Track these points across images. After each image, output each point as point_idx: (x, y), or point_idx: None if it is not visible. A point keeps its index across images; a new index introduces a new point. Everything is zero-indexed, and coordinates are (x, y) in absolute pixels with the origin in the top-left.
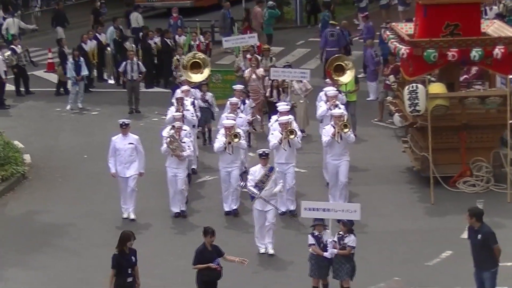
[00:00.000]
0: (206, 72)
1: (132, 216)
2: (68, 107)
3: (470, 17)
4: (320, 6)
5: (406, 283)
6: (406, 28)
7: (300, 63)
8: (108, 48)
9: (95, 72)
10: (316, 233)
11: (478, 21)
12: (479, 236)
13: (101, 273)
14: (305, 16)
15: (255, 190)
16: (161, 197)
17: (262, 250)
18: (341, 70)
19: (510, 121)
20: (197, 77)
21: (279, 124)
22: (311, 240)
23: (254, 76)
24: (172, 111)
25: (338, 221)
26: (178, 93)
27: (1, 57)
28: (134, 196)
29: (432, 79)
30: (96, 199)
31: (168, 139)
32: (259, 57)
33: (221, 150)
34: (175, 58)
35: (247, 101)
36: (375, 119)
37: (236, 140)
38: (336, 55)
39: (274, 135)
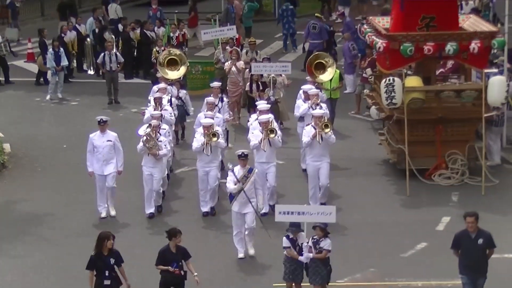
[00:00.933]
0: (183, 69)
1: (113, 213)
2: (48, 97)
3: (446, 11)
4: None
5: (382, 275)
6: (383, 22)
7: (278, 56)
8: (88, 39)
9: (74, 63)
10: (291, 236)
11: (455, 15)
12: (481, 241)
13: (79, 262)
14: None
15: (235, 186)
16: (138, 194)
17: (241, 255)
18: (322, 67)
19: (485, 115)
20: (173, 74)
21: (259, 123)
22: (286, 243)
23: (234, 68)
24: (150, 110)
25: (314, 227)
26: (155, 90)
27: None
28: (113, 193)
29: (409, 72)
30: (75, 189)
31: (145, 137)
32: (240, 50)
33: (199, 149)
34: (154, 49)
35: (225, 99)
36: (352, 112)
37: (214, 139)
38: (317, 53)
39: (254, 135)
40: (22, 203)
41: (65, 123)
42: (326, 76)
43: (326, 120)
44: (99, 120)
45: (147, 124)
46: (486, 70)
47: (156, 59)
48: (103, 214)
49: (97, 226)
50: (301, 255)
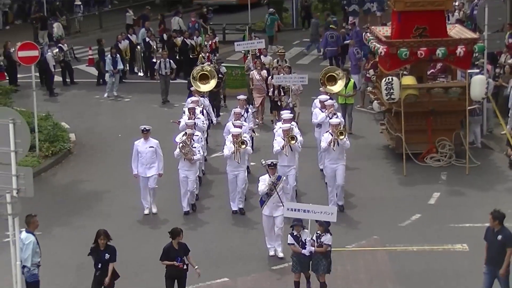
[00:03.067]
0: (213, 82)
1: (154, 210)
2: (106, 95)
3: (436, 22)
4: (312, 12)
5: (383, 241)
6: (383, 31)
7: (296, 59)
8: (138, 47)
9: (127, 66)
10: (295, 233)
11: (443, 25)
12: (500, 237)
13: (132, 232)
14: (300, 20)
15: (265, 186)
16: (176, 194)
17: (272, 252)
18: (333, 80)
19: (469, 107)
20: (205, 87)
21: (282, 130)
22: (290, 240)
23: (258, 77)
24: (184, 119)
25: (317, 221)
26: (189, 102)
27: (50, 53)
28: (155, 193)
29: (405, 72)
30: (128, 171)
31: (181, 144)
32: (270, 60)
33: (229, 156)
34: (200, 55)
35: (249, 110)
36: (358, 106)
37: (243, 146)
38: (329, 67)
39: (277, 141)
40: (85, 183)
41: (119, 117)
42: (337, 87)
43: (341, 128)
44: (142, 129)
45: (183, 132)
46: (469, 71)
47: (202, 63)
48: (146, 211)
49: (141, 222)
50: (305, 249)
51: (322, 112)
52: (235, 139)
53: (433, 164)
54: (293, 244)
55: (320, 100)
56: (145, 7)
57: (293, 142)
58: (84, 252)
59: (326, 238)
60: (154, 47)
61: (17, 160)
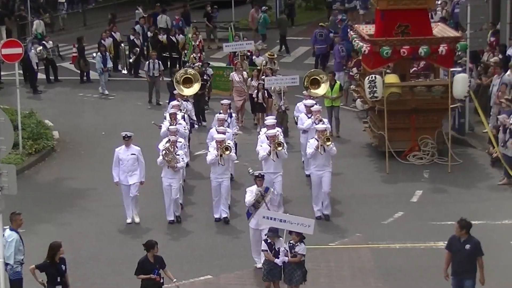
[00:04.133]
0: (197, 86)
1: (137, 220)
2: (105, 91)
3: (418, 20)
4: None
5: (366, 239)
6: (366, 29)
7: (279, 57)
8: (122, 44)
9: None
10: (269, 240)
11: (427, 23)
12: (468, 247)
13: (116, 228)
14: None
15: (251, 196)
16: (159, 202)
17: (259, 265)
18: (316, 83)
19: (451, 106)
20: (188, 91)
21: (267, 137)
22: (264, 246)
23: (238, 78)
24: (166, 125)
25: (290, 232)
26: (170, 107)
27: (34, 51)
28: (136, 202)
29: (388, 71)
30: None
31: (164, 151)
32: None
33: (213, 162)
34: (192, 56)
35: (233, 115)
36: (341, 104)
37: (227, 152)
38: (312, 70)
39: (263, 147)
40: (68, 180)
41: (103, 114)
42: (321, 90)
43: (328, 134)
44: (124, 135)
45: (166, 139)
46: (451, 69)
47: (193, 64)
48: (129, 220)
49: (122, 231)
50: (278, 258)
51: (308, 117)
52: (219, 145)
53: (416, 162)
54: (267, 251)
55: (305, 105)
56: (136, 6)
57: (279, 148)
58: (68, 249)
59: (300, 248)
60: (139, 45)
61: (1, 157)
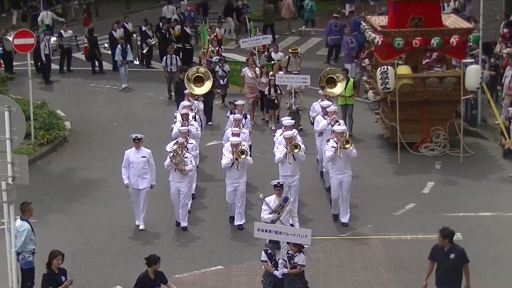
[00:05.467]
0: (208, 84)
1: (142, 227)
2: (124, 85)
3: (431, 12)
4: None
5: (377, 230)
6: (379, 20)
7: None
8: (134, 35)
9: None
10: (269, 251)
11: (439, 15)
12: (452, 256)
13: (127, 219)
14: (296, 9)
15: (271, 216)
16: (169, 207)
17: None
18: (333, 82)
19: (463, 97)
20: (199, 90)
21: (284, 138)
22: (263, 257)
23: (251, 74)
24: (177, 126)
25: (288, 242)
26: (181, 107)
27: (45, 42)
28: (145, 207)
29: (400, 62)
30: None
31: (172, 153)
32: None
33: (228, 166)
34: (210, 49)
35: (248, 116)
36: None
37: (243, 156)
38: (328, 68)
39: (279, 150)
40: (80, 171)
41: (115, 105)
42: (337, 89)
43: (347, 136)
44: (134, 137)
45: (174, 141)
46: (464, 60)
47: (211, 57)
48: (142, 226)
49: (133, 221)
50: (277, 269)
51: (324, 118)
52: (234, 149)
53: (428, 153)
54: (266, 261)
55: (321, 106)
56: None
57: (296, 150)
58: (79, 239)
59: (300, 259)
60: (151, 36)
61: (13, 147)
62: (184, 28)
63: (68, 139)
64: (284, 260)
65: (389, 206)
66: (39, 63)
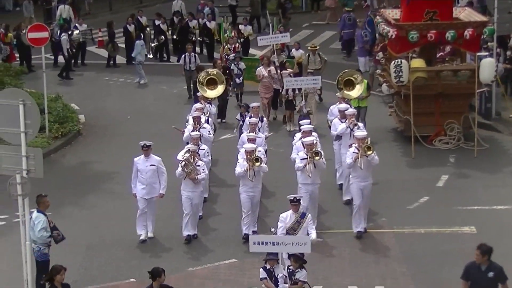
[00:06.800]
0: (221, 88)
1: (150, 235)
2: (142, 81)
3: (445, 5)
4: None
5: (391, 223)
6: (393, 14)
7: (306, 42)
8: (148, 29)
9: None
10: (268, 267)
11: (451, 8)
12: (491, 274)
13: None
14: (309, 3)
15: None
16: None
17: None
18: (351, 84)
19: (478, 91)
20: (211, 93)
21: (304, 145)
22: (262, 274)
23: (265, 73)
24: (189, 129)
25: (289, 256)
26: (194, 110)
27: (65, 37)
28: (153, 217)
29: (414, 55)
30: (138, 151)
31: (183, 162)
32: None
33: (242, 174)
34: (226, 46)
35: (264, 119)
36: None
37: (257, 164)
38: (346, 70)
39: (299, 157)
40: (94, 164)
41: (128, 98)
42: (355, 92)
43: (368, 142)
44: (142, 145)
45: (186, 149)
46: (478, 54)
47: (227, 55)
48: (143, 237)
49: (138, 246)
50: (277, 286)
51: (341, 122)
52: (248, 156)
53: (442, 146)
54: (266, 278)
55: (339, 109)
56: None
57: (317, 158)
58: (93, 232)
59: (302, 275)
60: (165, 31)
61: (27, 141)
62: (206, 22)
63: (82, 132)
64: (284, 275)
65: (403, 199)
66: (56, 58)
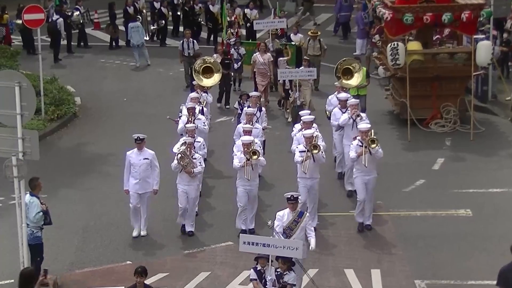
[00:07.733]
0: (217, 77)
1: (143, 233)
2: (138, 64)
3: None
4: None
5: (387, 206)
6: None
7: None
8: (144, 11)
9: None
10: (259, 268)
11: None
12: None
13: None
14: None
15: (282, 237)
16: (173, 208)
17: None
18: (349, 73)
19: (474, 73)
20: (208, 82)
21: (304, 137)
22: (253, 275)
23: (261, 60)
24: (183, 121)
25: (277, 258)
26: (189, 99)
27: (61, 20)
28: (147, 214)
29: (410, 38)
30: (133, 133)
31: (179, 155)
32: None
33: (239, 168)
34: (229, 31)
35: (263, 109)
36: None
37: (254, 157)
38: (344, 58)
39: (299, 149)
40: (90, 146)
41: (124, 81)
42: (353, 81)
43: (372, 135)
44: (135, 138)
45: (181, 142)
46: (474, 36)
47: (229, 39)
48: (135, 233)
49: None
50: None
51: (342, 112)
52: (245, 149)
53: (438, 129)
54: (256, 280)
55: (339, 99)
56: None
57: (315, 151)
58: (89, 214)
59: (290, 277)
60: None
61: (23, 123)
62: (209, 6)
63: (78, 114)
64: (273, 278)
65: (399, 182)
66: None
